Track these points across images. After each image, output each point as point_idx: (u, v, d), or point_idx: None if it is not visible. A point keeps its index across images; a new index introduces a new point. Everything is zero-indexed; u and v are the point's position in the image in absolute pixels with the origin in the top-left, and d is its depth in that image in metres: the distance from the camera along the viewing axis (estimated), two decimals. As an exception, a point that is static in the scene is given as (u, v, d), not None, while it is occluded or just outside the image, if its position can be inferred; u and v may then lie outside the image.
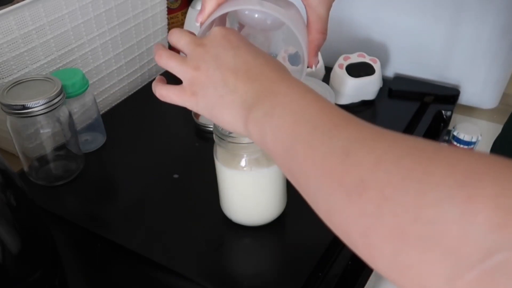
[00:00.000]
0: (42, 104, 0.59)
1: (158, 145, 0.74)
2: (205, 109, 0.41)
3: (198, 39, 0.43)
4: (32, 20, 0.65)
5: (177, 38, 0.43)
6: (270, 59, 0.41)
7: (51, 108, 0.60)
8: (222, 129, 0.54)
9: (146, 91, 0.87)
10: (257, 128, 0.37)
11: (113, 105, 0.83)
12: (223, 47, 0.41)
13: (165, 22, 0.88)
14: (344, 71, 0.75)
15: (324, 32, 0.50)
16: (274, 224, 0.59)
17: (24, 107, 0.59)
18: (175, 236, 0.59)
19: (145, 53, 0.86)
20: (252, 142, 0.51)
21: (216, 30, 0.42)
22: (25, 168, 0.67)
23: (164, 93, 0.44)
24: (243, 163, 0.53)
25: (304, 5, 0.48)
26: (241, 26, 0.52)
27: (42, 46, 0.68)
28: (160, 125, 0.78)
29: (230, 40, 0.41)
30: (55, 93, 0.61)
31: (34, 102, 0.59)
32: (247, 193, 0.56)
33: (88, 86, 0.68)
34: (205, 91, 0.40)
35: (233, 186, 0.56)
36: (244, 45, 0.41)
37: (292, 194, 0.60)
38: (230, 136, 0.52)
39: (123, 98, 0.85)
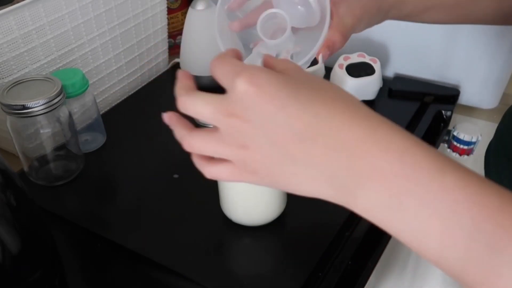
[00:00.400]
0: (42, 104, 0.59)
1: (158, 145, 0.74)
2: (276, 186, 0.35)
3: (222, 104, 0.33)
4: (32, 20, 0.65)
5: (194, 108, 0.34)
6: (329, 99, 0.31)
7: (51, 108, 0.60)
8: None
9: (146, 91, 0.87)
10: (372, 214, 0.31)
11: (113, 105, 0.83)
12: (263, 112, 0.31)
13: (165, 22, 0.88)
14: (344, 71, 0.75)
15: (345, 36, 0.49)
16: (274, 224, 0.59)
17: (24, 107, 0.59)
18: (175, 236, 0.59)
19: (145, 53, 0.86)
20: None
21: (242, 87, 0.31)
22: (25, 168, 0.67)
23: (215, 174, 0.36)
24: (243, 163, 0.53)
25: (332, 12, 0.47)
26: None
27: (42, 46, 0.68)
28: (160, 125, 0.77)
29: (266, 97, 0.31)
30: (55, 93, 0.61)
31: (34, 102, 0.59)
32: (247, 193, 0.56)
33: (88, 86, 0.68)
34: (269, 170, 0.33)
35: (233, 186, 0.56)
36: (287, 95, 0.31)
37: (292, 194, 0.60)
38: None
39: (123, 98, 0.85)
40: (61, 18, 0.69)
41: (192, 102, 0.34)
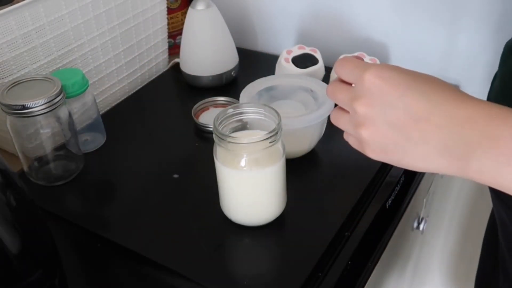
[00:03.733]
0: (42, 104, 0.59)
1: (158, 145, 0.74)
2: (391, 162, 0.42)
3: (353, 92, 0.41)
4: (32, 20, 0.65)
5: (333, 93, 0.44)
6: (438, 87, 0.38)
7: (51, 108, 0.60)
8: (222, 128, 0.54)
9: (146, 91, 0.87)
10: (489, 176, 0.37)
11: (113, 105, 0.83)
12: (386, 99, 0.39)
13: (165, 22, 0.88)
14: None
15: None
16: (274, 224, 0.59)
17: (24, 107, 0.59)
18: (175, 236, 0.59)
19: (145, 53, 0.86)
20: (252, 142, 0.51)
21: (370, 79, 0.40)
22: (25, 168, 0.67)
23: (351, 140, 0.44)
24: (243, 163, 0.53)
25: None
26: None
27: (42, 46, 0.68)
28: (160, 125, 0.78)
29: (389, 87, 0.39)
30: (55, 93, 0.61)
31: (34, 102, 0.59)
32: (247, 193, 0.56)
33: (88, 86, 0.68)
34: (386, 149, 0.41)
35: (233, 186, 0.56)
36: (406, 86, 0.39)
37: (292, 194, 0.60)
38: (230, 136, 0.52)
39: (123, 98, 0.85)
40: (61, 18, 0.69)
41: (332, 89, 0.44)
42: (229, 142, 0.52)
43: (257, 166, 0.53)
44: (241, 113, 0.56)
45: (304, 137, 0.65)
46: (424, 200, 0.81)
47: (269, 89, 0.68)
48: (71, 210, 0.64)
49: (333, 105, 0.62)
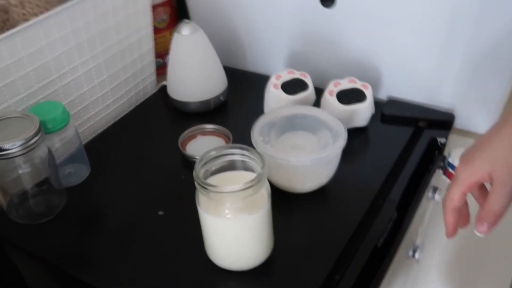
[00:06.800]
0: (19, 146, 0.57)
1: (143, 178, 0.71)
2: None
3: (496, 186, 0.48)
4: (9, 54, 0.63)
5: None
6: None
7: (29, 149, 0.58)
8: (203, 177, 0.52)
9: (132, 116, 0.85)
10: None
11: (99, 131, 0.81)
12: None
13: (151, 44, 0.86)
14: (334, 98, 0.73)
15: None
16: (261, 268, 0.57)
17: (0, 149, 0.57)
18: (157, 280, 0.57)
19: (132, 78, 0.84)
20: (235, 191, 0.49)
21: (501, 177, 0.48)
22: (4, 206, 0.65)
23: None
24: (226, 211, 0.51)
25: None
26: None
27: (21, 79, 0.66)
28: (146, 155, 0.76)
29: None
30: (32, 133, 0.58)
31: (10, 144, 0.57)
32: (232, 240, 0.54)
33: (68, 121, 0.66)
34: None
35: (216, 232, 0.54)
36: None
37: (278, 238, 0.58)
38: (211, 185, 0.49)
39: (109, 124, 0.83)
40: (41, 50, 0.67)
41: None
42: (210, 191, 0.49)
43: (242, 213, 0.51)
44: (224, 155, 0.54)
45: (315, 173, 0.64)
46: (419, 228, 0.79)
47: (290, 117, 0.67)
48: (52, 251, 0.62)
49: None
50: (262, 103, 0.80)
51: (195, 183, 0.51)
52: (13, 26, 0.66)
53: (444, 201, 0.53)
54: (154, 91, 0.90)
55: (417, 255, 0.80)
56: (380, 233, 0.61)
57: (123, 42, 0.79)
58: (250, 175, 0.53)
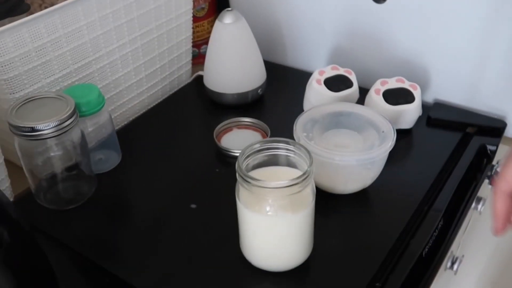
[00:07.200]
0: (53, 127, 0.55)
1: (176, 167, 0.69)
2: None
3: None
4: (47, 32, 0.61)
5: None
6: None
7: (62, 131, 0.56)
8: (246, 166, 0.49)
9: (166, 105, 0.82)
10: None
11: (131, 119, 0.78)
12: None
13: (190, 32, 0.83)
14: (380, 97, 0.69)
15: None
16: (298, 270, 0.53)
17: (33, 130, 0.54)
18: (189, 278, 0.54)
19: (167, 65, 0.81)
20: (280, 187, 0.46)
21: None
22: (33, 189, 0.62)
23: None
24: (268, 207, 0.48)
25: None
26: None
27: (57, 59, 0.63)
28: (179, 145, 0.73)
29: None
30: (67, 114, 0.56)
31: (44, 124, 0.54)
32: (271, 238, 0.50)
33: (103, 105, 0.63)
34: None
35: (255, 230, 0.50)
36: None
37: (318, 240, 0.55)
38: (255, 179, 0.46)
39: (141, 112, 0.80)
40: (79, 30, 0.64)
41: None
42: (253, 185, 0.46)
43: (284, 211, 0.48)
44: (268, 148, 0.51)
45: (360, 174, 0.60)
46: (460, 239, 0.75)
47: (334, 114, 0.63)
48: (80, 239, 0.59)
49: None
50: (301, 99, 0.77)
51: (237, 175, 0.48)
52: (51, 4, 0.64)
53: (496, 182, 0.43)
54: (188, 80, 0.87)
55: (455, 266, 0.76)
56: (426, 242, 0.57)
57: (162, 27, 0.76)
58: (293, 172, 0.50)
